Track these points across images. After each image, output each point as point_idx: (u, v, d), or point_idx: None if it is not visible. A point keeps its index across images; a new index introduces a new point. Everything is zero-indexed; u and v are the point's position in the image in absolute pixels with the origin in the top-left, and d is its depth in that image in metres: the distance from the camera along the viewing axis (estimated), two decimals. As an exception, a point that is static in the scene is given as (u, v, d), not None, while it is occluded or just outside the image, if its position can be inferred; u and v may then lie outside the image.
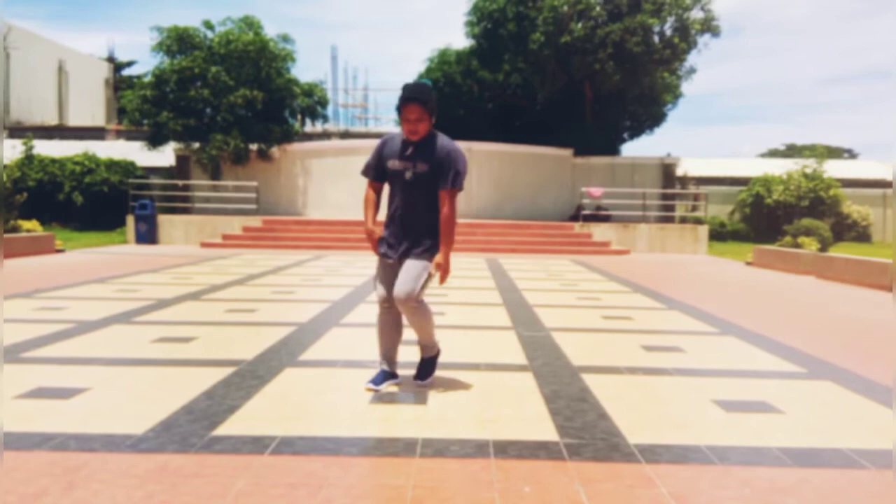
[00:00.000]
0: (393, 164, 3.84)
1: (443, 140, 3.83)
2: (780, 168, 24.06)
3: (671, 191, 21.17)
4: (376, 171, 3.95)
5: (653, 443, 3.20)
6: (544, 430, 3.35)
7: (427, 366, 4.12)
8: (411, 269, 3.80)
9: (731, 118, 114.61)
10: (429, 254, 3.84)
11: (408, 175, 3.79)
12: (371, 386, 3.96)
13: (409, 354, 4.86)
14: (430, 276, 3.82)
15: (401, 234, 3.87)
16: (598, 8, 20.37)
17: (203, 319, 6.41)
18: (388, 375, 4.03)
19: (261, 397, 3.82)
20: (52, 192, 20.95)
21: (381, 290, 3.95)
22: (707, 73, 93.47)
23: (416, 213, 3.83)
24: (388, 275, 3.93)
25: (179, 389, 3.91)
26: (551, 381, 4.27)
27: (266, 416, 3.50)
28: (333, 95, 38.65)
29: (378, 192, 4.02)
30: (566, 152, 21.41)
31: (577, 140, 21.75)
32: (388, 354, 4.05)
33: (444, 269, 3.81)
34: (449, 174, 3.76)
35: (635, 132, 25.69)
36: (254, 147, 20.13)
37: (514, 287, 9.29)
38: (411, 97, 3.70)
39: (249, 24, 20.84)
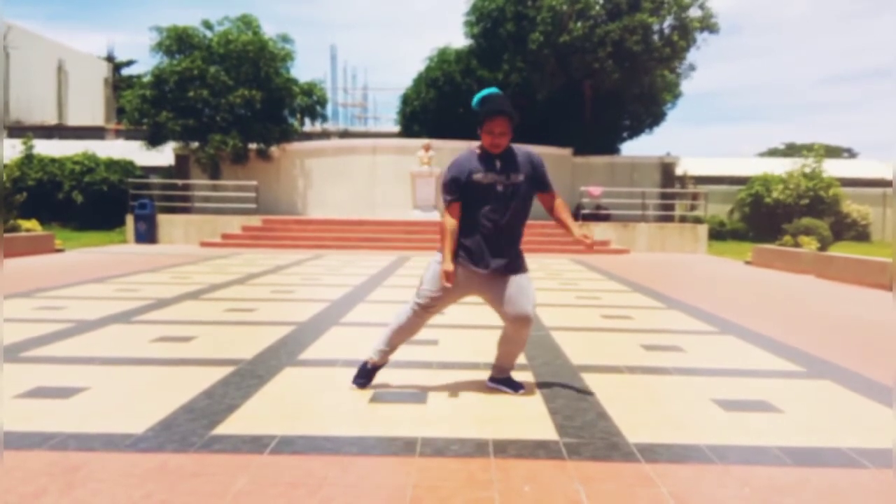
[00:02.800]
0: (483, 177, 3.70)
1: (521, 150, 3.84)
2: (779, 167, 24.07)
3: (670, 190, 21.18)
4: (459, 189, 3.73)
5: (652, 442, 3.20)
6: (544, 429, 3.35)
7: (508, 381, 4.02)
8: (528, 288, 3.77)
9: (730, 117, 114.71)
10: (526, 267, 3.84)
11: (500, 188, 3.71)
12: (355, 386, 3.97)
13: (403, 353, 4.86)
14: None
15: (495, 247, 3.72)
16: (597, 7, 20.36)
17: (202, 319, 6.40)
18: (371, 373, 4.01)
19: (260, 397, 3.82)
20: (51, 192, 20.95)
21: (433, 290, 3.77)
22: (706, 72, 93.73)
23: (511, 224, 3.74)
24: (458, 282, 3.75)
25: (179, 389, 3.91)
26: (551, 380, 4.27)
27: (265, 415, 3.50)
28: (333, 95, 38.74)
29: (459, 217, 3.77)
30: (565, 151, 21.40)
31: (576, 139, 21.75)
32: (392, 349, 4.00)
33: (590, 240, 3.75)
34: (547, 179, 3.85)
35: (635, 131, 25.69)
36: (253, 147, 20.12)
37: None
38: (500, 111, 3.67)
39: (247, 23, 20.83)
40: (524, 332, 3.82)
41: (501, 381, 4.02)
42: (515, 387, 3.99)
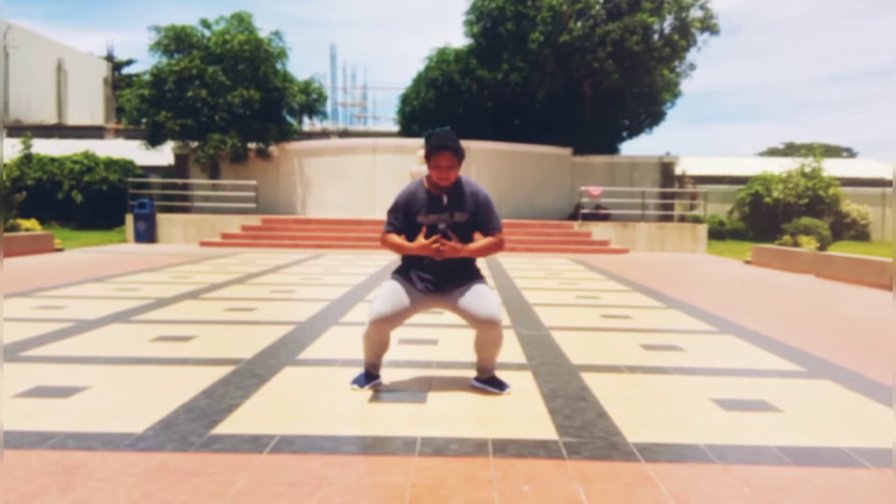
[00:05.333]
0: (427, 218, 3.82)
1: (469, 185, 3.89)
2: (779, 167, 24.09)
3: (670, 189, 21.18)
4: (402, 227, 3.89)
5: (652, 441, 3.20)
6: (543, 428, 3.35)
7: (493, 381, 4.03)
8: (483, 293, 3.83)
9: (730, 117, 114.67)
10: (482, 278, 3.93)
11: (441, 226, 3.81)
12: (355, 386, 3.96)
13: (402, 353, 4.86)
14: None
15: (441, 276, 3.85)
16: (597, 7, 20.36)
17: (202, 318, 6.40)
18: (372, 377, 4.03)
19: (260, 396, 3.82)
20: (51, 191, 20.94)
21: (384, 309, 3.80)
22: (706, 71, 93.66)
23: (454, 260, 3.82)
24: (403, 300, 3.83)
25: (178, 388, 3.91)
26: (550, 379, 4.27)
27: (265, 414, 3.50)
28: (332, 94, 38.70)
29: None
30: (565, 151, 21.41)
31: (576, 139, 21.76)
32: (375, 363, 4.04)
33: (452, 247, 3.76)
34: (492, 220, 3.89)
35: (634, 131, 25.69)
36: (252, 146, 20.12)
37: (513, 286, 9.29)
38: (444, 145, 3.73)
39: (241, 20, 20.82)
40: (492, 333, 3.87)
41: (485, 381, 4.02)
42: (500, 386, 3.99)
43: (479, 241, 3.91)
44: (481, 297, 3.83)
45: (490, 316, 3.80)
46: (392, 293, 3.86)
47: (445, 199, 3.83)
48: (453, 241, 3.77)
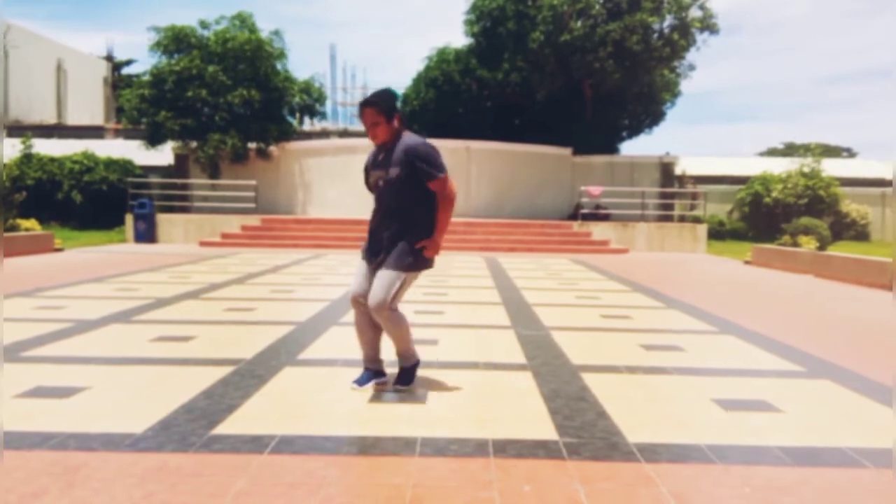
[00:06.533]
0: (372, 175, 3.90)
1: (406, 139, 3.79)
2: (778, 167, 24.10)
3: (670, 189, 21.19)
4: (368, 184, 4.01)
5: (652, 442, 3.20)
6: (543, 429, 3.35)
7: (406, 374, 4.02)
8: (383, 279, 3.76)
9: (729, 117, 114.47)
10: (401, 261, 3.76)
11: (380, 182, 3.84)
12: (355, 386, 3.96)
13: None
14: (403, 283, 3.79)
15: (378, 241, 3.87)
16: (597, 6, 20.36)
17: (202, 318, 6.40)
18: (374, 375, 4.01)
19: (260, 396, 3.82)
20: (50, 191, 20.91)
21: (353, 287, 3.91)
22: (706, 71, 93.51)
23: (388, 217, 3.82)
24: (364, 274, 3.91)
25: (178, 389, 3.91)
26: (550, 380, 4.27)
27: (265, 415, 3.50)
28: (332, 94, 38.69)
29: None
30: (565, 151, 21.41)
31: (576, 139, 21.76)
32: (370, 354, 4.02)
33: (433, 245, 3.79)
34: (432, 167, 3.72)
35: (634, 131, 25.68)
36: (252, 146, 20.11)
37: (513, 286, 9.29)
38: (362, 102, 3.80)
39: (242, 20, 20.81)
40: (375, 315, 3.78)
41: (398, 376, 4.01)
42: (404, 380, 3.98)
43: (437, 215, 3.81)
44: (376, 281, 3.78)
45: (369, 302, 3.76)
46: (359, 271, 3.95)
47: (382, 156, 3.82)
48: (434, 239, 3.79)
